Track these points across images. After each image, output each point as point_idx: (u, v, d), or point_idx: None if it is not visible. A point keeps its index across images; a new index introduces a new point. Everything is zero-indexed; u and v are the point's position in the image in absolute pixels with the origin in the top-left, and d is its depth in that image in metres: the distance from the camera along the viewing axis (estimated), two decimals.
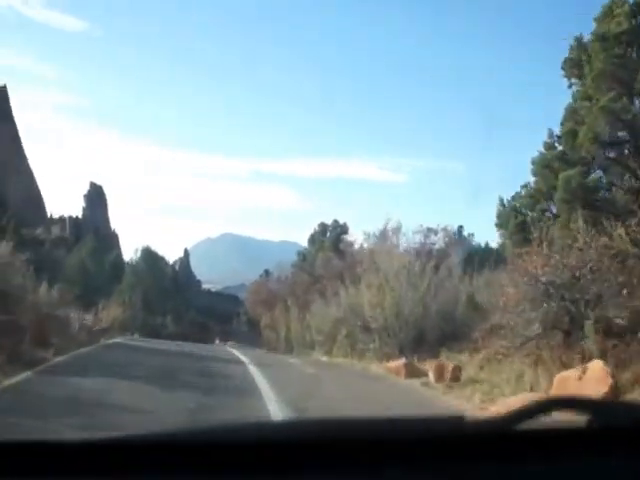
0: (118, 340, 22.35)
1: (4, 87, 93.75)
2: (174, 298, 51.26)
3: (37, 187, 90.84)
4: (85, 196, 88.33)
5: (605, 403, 1.88)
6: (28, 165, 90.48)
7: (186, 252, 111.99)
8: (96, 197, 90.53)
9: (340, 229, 37.81)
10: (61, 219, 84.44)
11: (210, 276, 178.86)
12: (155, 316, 41.34)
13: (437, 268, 16.81)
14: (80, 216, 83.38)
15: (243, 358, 17.21)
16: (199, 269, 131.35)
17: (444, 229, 26.51)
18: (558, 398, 1.87)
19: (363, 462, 1.22)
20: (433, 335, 16.27)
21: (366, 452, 1.23)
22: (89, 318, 29.27)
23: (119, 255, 52.66)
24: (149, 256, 43.68)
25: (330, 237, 36.87)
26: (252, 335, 67.62)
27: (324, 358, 19.96)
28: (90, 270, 39.58)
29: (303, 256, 37.33)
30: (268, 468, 1.18)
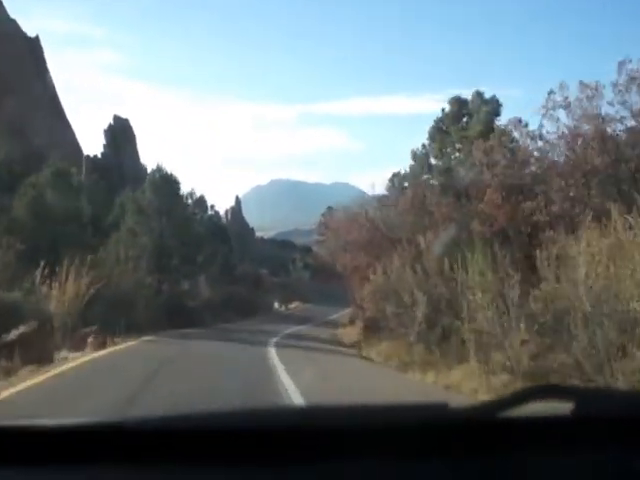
0: None
1: (37, 38, 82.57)
2: (216, 249, 35.56)
3: (77, 142, 77.30)
4: (106, 131, 71.62)
5: (590, 391, 1.73)
6: (66, 119, 76.99)
7: (237, 200, 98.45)
8: (121, 133, 74.71)
9: (487, 107, 20.72)
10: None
11: (262, 223, 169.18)
12: (177, 279, 25.38)
13: None
14: (99, 155, 67.54)
15: None
16: (250, 217, 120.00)
17: None
18: (543, 386, 1.61)
19: (344, 449, 1.21)
20: None
21: (346, 439, 1.21)
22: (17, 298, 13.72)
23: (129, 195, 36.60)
24: (164, 184, 26.87)
25: (474, 122, 19.93)
26: (319, 286, 52.83)
27: None
28: (52, 213, 23.14)
29: (424, 156, 20.45)
30: (254, 456, 1.18)
